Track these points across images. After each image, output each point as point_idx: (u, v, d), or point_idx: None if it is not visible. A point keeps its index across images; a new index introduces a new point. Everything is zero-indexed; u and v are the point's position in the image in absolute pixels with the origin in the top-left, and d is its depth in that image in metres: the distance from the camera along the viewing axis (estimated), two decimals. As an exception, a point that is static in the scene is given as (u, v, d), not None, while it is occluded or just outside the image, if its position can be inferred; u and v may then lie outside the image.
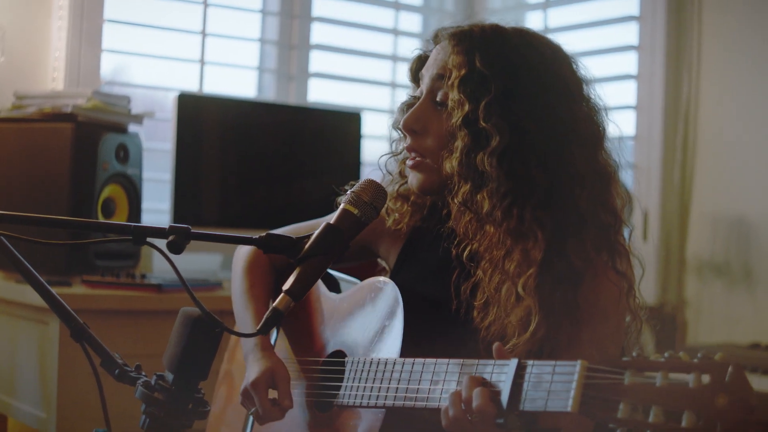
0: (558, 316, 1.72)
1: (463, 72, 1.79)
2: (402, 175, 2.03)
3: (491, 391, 1.51)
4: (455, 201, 1.80)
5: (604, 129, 1.86)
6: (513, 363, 1.49)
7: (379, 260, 2.20)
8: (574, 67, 1.87)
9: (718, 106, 4.01)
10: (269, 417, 1.89)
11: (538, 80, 1.80)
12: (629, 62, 4.27)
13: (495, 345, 1.56)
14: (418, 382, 1.67)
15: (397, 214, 2.02)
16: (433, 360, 1.66)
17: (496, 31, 1.84)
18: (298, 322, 2.09)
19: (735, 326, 3.84)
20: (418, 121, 1.86)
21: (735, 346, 3.62)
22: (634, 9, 4.26)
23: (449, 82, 1.81)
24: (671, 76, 4.11)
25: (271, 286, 2.13)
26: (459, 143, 1.78)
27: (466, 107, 1.77)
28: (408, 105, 1.96)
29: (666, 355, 1.26)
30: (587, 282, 1.74)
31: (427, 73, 1.88)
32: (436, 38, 1.93)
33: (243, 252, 2.21)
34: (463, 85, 1.78)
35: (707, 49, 4.05)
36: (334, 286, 2.12)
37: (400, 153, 2.03)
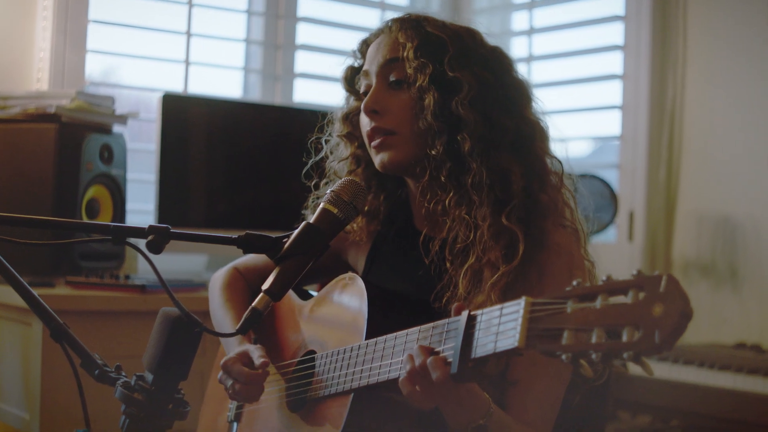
0: (536, 243, 1.82)
1: (416, 42, 1.91)
2: None
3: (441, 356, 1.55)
4: (433, 153, 1.88)
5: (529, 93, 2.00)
6: (464, 315, 1.52)
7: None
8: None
9: (704, 105, 4.02)
10: (251, 381, 1.87)
11: (481, 42, 1.97)
12: (615, 62, 4.28)
13: (454, 306, 1.59)
14: (381, 358, 1.69)
15: (355, 226, 2.10)
16: (393, 334, 1.68)
17: (427, 14, 1.99)
18: (274, 334, 2.11)
19: (721, 326, 3.84)
20: (377, 102, 1.94)
21: (720, 345, 3.63)
22: (619, 9, 4.27)
23: (404, 54, 1.92)
24: (656, 76, 4.12)
25: (248, 301, 2.13)
26: (429, 100, 1.88)
27: (430, 67, 1.89)
28: (348, 114, 2.08)
29: (604, 278, 1.29)
30: (549, 220, 1.86)
31: (373, 65, 1.97)
32: (363, 47, 2.06)
33: (220, 273, 2.28)
34: (421, 50, 1.91)
35: (692, 49, 4.06)
36: (306, 297, 2.13)
37: (348, 157, 2.10)
